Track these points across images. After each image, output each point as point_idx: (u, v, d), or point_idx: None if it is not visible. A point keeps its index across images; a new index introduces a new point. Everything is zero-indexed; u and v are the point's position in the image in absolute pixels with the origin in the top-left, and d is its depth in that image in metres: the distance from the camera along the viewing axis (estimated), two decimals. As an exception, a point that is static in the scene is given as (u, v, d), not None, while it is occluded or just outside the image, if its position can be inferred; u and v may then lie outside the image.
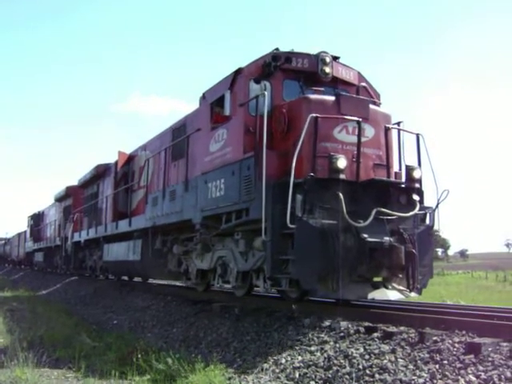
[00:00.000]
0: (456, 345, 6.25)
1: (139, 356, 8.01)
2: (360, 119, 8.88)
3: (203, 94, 11.44)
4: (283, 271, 8.73)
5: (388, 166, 9.51)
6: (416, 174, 9.39)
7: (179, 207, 12.01)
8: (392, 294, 8.91)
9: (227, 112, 10.05)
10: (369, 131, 9.33)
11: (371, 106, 9.65)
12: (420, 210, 9.29)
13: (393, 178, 9.58)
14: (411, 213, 9.06)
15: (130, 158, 18.03)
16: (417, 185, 9.43)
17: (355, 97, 9.92)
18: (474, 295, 21.80)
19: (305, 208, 8.24)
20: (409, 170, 9.42)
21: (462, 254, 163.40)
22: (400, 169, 10.02)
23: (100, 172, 21.14)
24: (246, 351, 8.14)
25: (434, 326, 7.15)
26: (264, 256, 9.53)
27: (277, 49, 10.22)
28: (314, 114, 8.57)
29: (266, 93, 9.20)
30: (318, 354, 7.11)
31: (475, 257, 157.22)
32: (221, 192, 10.11)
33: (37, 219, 37.80)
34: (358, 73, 11.05)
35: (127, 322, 12.73)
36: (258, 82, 9.92)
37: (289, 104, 9.56)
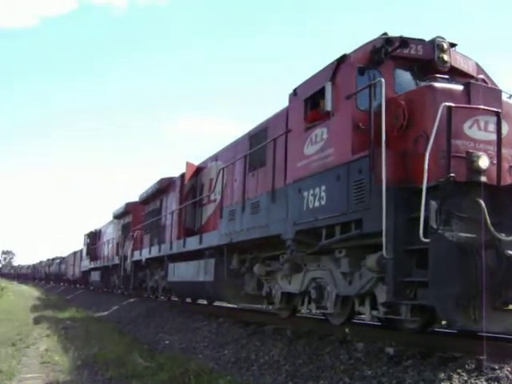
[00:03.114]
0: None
1: (191, 377, 7.89)
2: (499, 111, 7.29)
3: (294, 91, 9.97)
4: (407, 296, 7.14)
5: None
6: None
7: (264, 221, 10.46)
8: None
9: (328, 107, 8.57)
10: (503, 127, 7.68)
11: (504, 99, 8.05)
12: None
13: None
14: None
15: (198, 170, 16.68)
16: None
17: (486, 86, 8.29)
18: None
19: (440, 218, 6.62)
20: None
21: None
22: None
23: (163, 186, 19.88)
24: (298, 374, 7.80)
25: (492, 352, 6.47)
26: (376, 278, 7.98)
27: (385, 33, 8.70)
28: (448, 103, 6.99)
29: (382, 79, 7.68)
30: (371, 379, 6.76)
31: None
32: (321, 201, 8.56)
33: (93, 237, 36.93)
34: (476, 63, 9.44)
35: (178, 342, 12.26)
36: (362, 72, 8.42)
37: (407, 95, 8.01)
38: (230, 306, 17.17)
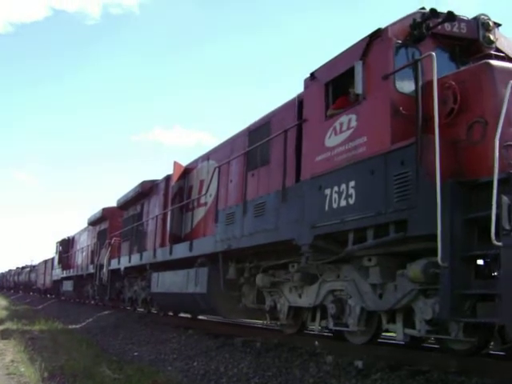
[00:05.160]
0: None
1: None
2: None
3: (311, 74, 8.69)
4: (465, 312, 5.90)
5: None
6: None
7: (272, 224, 9.10)
8: None
9: (359, 90, 7.30)
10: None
11: None
12: None
13: None
14: None
15: (186, 172, 15.29)
16: None
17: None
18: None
19: None
20: None
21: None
22: None
23: (145, 189, 18.44)
24: (268, 387, 7.64)
25: (459, 367, 6.41)
26: (418, 290, 6.75)
27: (423, 8, 7.51)
28: (517, 80, 5.81)
29: (433, 54, 6.46)
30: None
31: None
32: (349, 200, 7.26)
33: (66, 245, 35.15)
34: (518, 46, 8.31)
35: (147, 354, 11.87)
36: (399, 50, 7.24)
37: (456, 76, 6.79)
38: (200, 318, 17.16)
